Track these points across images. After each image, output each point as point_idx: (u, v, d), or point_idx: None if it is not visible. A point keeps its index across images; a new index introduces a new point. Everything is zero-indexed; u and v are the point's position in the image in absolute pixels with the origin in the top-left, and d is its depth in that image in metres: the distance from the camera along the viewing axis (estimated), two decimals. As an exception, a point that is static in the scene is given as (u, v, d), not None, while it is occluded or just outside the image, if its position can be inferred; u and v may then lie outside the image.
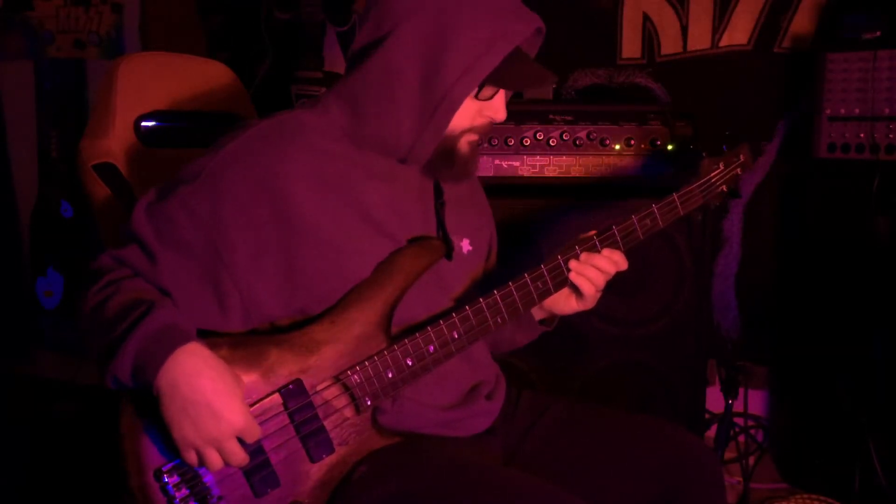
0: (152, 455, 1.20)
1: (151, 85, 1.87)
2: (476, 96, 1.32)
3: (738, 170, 1.56)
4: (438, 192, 1.44)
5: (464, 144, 1.37)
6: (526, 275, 1.40)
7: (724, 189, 1.55)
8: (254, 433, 1.19)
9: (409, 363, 1.32)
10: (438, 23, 1.26)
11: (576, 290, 1.45)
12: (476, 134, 1.38)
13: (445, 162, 1.37)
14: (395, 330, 1.34)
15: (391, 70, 1.28)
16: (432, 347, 1.33)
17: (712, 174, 1.53)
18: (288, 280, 1.28)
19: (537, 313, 1.55)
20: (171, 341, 1.15)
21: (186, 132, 1.92)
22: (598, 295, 1.47)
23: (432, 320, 1.35)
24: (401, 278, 1.33)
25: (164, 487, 1.20)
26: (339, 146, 1.33)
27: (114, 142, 1.78)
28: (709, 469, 1.45)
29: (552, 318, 1.57)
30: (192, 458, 1.17)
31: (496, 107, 1.35)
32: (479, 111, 1.35)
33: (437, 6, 1.27)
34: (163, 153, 1.83)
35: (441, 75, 1.26)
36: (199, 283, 1.26)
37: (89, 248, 3.40)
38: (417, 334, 1.33)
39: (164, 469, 1.20)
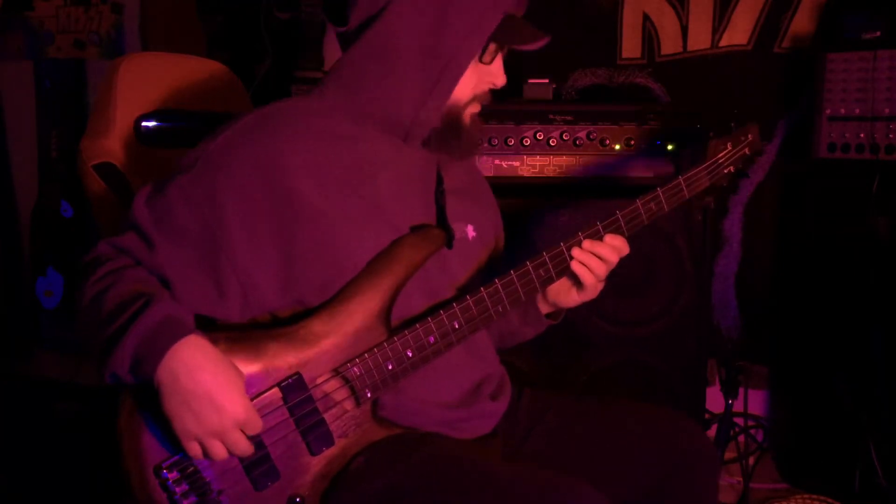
0: (152, 451, 1.20)
1: (151, 85, 1.87)
2: (480, 59, 1.34)
3: (747, 149, 1.52)
4: (439, 180, 1.44)
5: (468, 116, 1.39)
6: (528, 262, 1.39)
7: (732, 170, 1.51)
8: (255, 425, 1.19)
9: (410, 354, 1.31)
10: None
11: (576, 280, 1.44)
12: (479, 104, 1.40)
13: (453, 134, 1.38)
14: (395, 321, 1.33)
15: (391, 43, 1.30)
16: (433, 338, 1.33)
17: (720, 155, 1.50)
18: (286, 266, 1.28)
19: (543, 307, 1.54)
20: (170, 334, 1.15)
21: (186, 132, 1.92)
22: (601, 285, 1.46)
23: (433, 310, 1.34)
24: (401, 269, 1.32)
25: (164, 483, 1.19)
26: (338, 129, 1.34)
27: (114, 142, 1.78)
28: (704, 453, 1.44)
29: (558, 312, 1.57)
30: (195, 450, 1.17)
31: (495, 72, 1.37)
32: (480, 78, 1.37)
33: None
34: (163, 153, 1.83)
35: (446, 38, 1.28)
36: (198, 270, 1.25)
37: (89, 248, 3.40)
38: (418, 325, 1.32)
39: (164, 465, 1.19)
